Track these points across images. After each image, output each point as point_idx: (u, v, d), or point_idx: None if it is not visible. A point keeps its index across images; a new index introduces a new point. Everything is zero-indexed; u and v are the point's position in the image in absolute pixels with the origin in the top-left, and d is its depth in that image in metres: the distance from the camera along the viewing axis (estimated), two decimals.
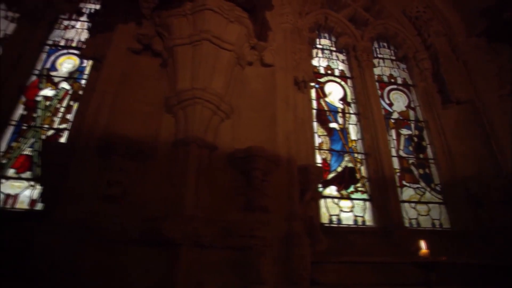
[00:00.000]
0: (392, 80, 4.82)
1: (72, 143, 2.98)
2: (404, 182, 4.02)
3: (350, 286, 2.86)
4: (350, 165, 4.01)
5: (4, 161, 3.38)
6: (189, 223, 2.39)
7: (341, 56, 4.89)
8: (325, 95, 4.46)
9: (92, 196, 2.61)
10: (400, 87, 4.77)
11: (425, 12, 4.82)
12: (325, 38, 5.01)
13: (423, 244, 2.44)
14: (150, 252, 2.42)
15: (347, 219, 3.68)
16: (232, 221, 2.61)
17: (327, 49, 4.88)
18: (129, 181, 2.65)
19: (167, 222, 2.35)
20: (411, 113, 4.61)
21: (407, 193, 3.97)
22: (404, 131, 4.43)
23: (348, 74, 4.71)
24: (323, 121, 4.24)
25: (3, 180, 3.28)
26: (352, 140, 4.20)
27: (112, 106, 3.04)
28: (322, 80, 4.56)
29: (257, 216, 2.72)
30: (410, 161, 4.21)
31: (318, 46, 4.86)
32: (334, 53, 4.88)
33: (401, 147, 4.30)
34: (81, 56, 3.60)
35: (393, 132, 4.36)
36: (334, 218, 3.65)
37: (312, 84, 4.31)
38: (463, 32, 4.46)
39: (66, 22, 4.35)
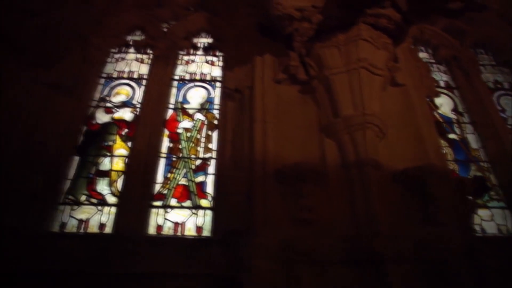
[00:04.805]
0: (498, 86, 4.87)
1: (245, 173, 3.24)
2: None
3: None
4: (478, 174, 4.07)
5: (165, 192, 3.66)
6: (394, 240, 2.54)
7: (442, 68, 4.99)
8: (437, 107, 4.57)
9: (284, 220, 2.83)
10: (510, 92, 4.81)
11: None
12: (421, 51, 5.14)
13: None
14: (355, 271, 2.57)
15: (490, 227, 3.72)
16: (419, 236, 2.73)
17: (427, 62, 5.00)
18: (316, 204, 2.85)
19: (377, 240, 2.51)
20: None
21: None
22: None
23: (452, 84, 4.80)
24: (442, 133, 4.33)
25: (168, 210, 3.57)
26: (474, 149, 4.26)
27: (273, 134, 3.30)
28: None
29: (437, 230, 2.83)
30: None
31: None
32: (434, 65, 5.00)
33: None
34: (225, 89, 3.90)
35: None
36: (477, 228, 3.70)
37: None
38: None
39: (186, 58, 4.69)
